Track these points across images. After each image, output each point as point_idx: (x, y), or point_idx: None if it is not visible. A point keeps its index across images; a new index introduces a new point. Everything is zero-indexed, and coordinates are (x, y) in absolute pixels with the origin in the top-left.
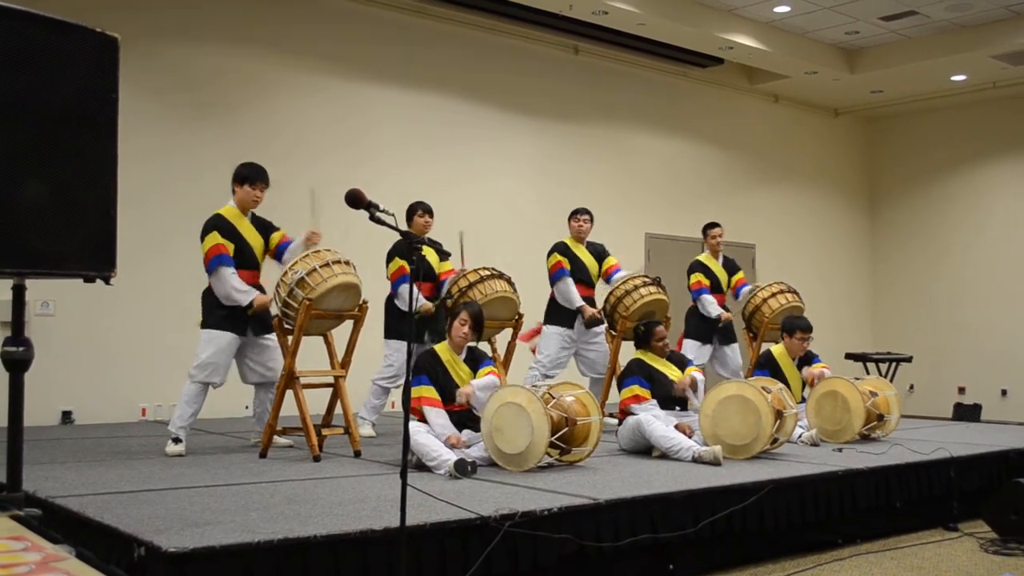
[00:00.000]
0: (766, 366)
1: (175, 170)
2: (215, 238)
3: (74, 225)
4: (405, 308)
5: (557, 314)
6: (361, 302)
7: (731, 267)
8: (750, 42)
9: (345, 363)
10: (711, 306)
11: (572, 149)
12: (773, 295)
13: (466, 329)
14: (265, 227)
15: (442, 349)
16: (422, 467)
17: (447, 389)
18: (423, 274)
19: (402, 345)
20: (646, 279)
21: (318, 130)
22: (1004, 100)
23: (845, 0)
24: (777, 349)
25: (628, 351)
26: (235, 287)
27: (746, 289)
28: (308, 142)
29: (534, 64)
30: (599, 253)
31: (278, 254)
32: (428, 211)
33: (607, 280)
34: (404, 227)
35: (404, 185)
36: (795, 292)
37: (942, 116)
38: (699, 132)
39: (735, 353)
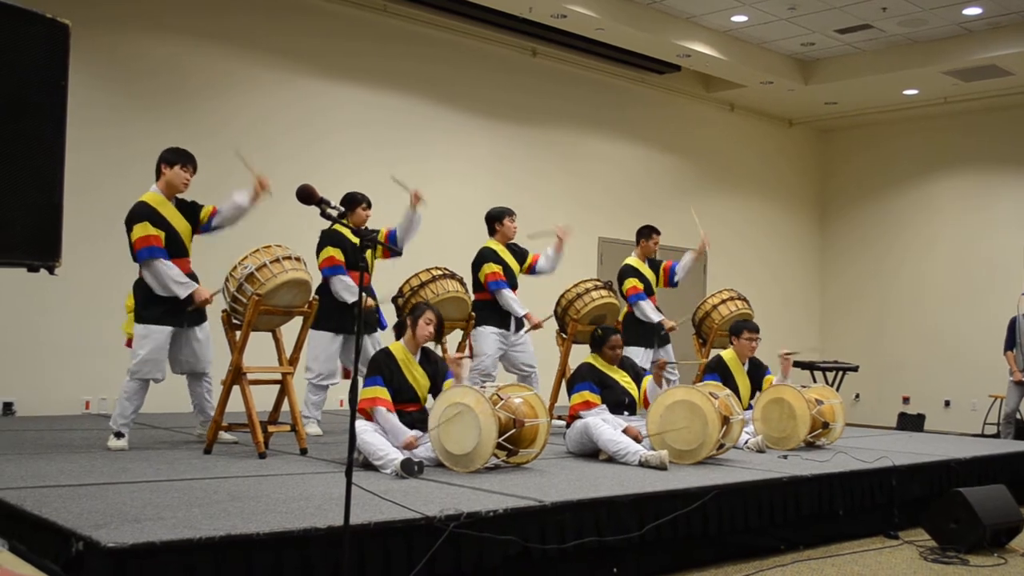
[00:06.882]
0: (716, 371)
1: (123, 161)
2: (145, 228)
3: (18, 213)
4: (343, 298)
5: (493, 315)
6: (311, 299)
7: (655, 265)
8: (707, 50)
9: (293, 360)
10: (650, 311)
11: (527, 152)
12: (723, 302)
13: (431, 328)
14: (191, 210)
15: (397, 348)
16: (368, 466)
17: (401, 389)
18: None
19: (326, 336)
20: (598, 282)
21: (270, 124)
22: (954, 116)
23: (802, 12)
24: (727, 354)
25: (570, 353)
26: (173, 279)
27: (682, 263)
28: (260, 136)
29: (492, 66)
30: (519, 253)
31: (209, 223)
32: (370, 204)
33: (531, 271)
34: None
35: (357, 184)
36: (744, 299)
37: (894, 129)
38: (655, 138)
39: (669, 355)
